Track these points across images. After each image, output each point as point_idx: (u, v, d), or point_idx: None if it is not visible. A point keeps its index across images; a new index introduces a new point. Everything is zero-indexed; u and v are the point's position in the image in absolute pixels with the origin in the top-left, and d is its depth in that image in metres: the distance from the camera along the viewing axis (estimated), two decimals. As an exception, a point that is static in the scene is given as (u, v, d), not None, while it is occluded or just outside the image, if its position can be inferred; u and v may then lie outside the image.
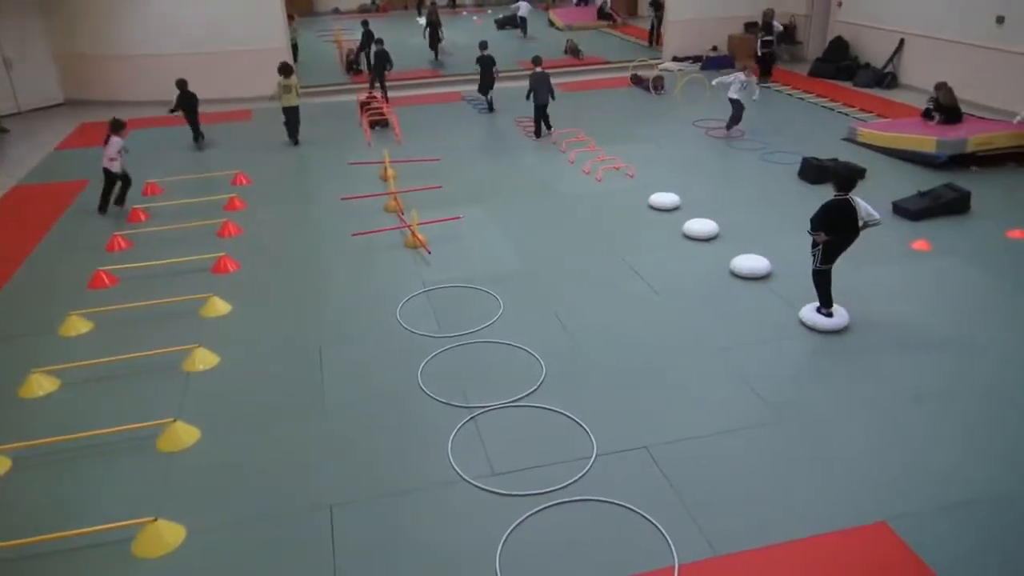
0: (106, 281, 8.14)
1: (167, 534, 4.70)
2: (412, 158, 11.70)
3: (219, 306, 7.53)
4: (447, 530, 4.76)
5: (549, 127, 13.24)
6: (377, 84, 15.35)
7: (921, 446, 5.34)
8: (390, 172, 10.94)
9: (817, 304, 6.90)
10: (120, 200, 10.28)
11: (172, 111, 12.68)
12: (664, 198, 9.80)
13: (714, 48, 18.70)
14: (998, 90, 12.59)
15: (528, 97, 12.94)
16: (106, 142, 9.90)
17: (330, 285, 8.07)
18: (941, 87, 11.58)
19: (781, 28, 17.03)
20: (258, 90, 15.46)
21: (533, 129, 13.26)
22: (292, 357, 6.72)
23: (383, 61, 15.03)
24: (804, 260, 6.92)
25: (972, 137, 10.70)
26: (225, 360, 6.67)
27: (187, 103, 12.65)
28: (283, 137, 13.11)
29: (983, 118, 12.00)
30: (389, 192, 10.21)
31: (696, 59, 18.51)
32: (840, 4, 17.60)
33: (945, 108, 11.53)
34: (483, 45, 15.09)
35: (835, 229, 6.54)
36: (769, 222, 9.22)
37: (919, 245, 8.43)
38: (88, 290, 8.01)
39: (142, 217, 9.97)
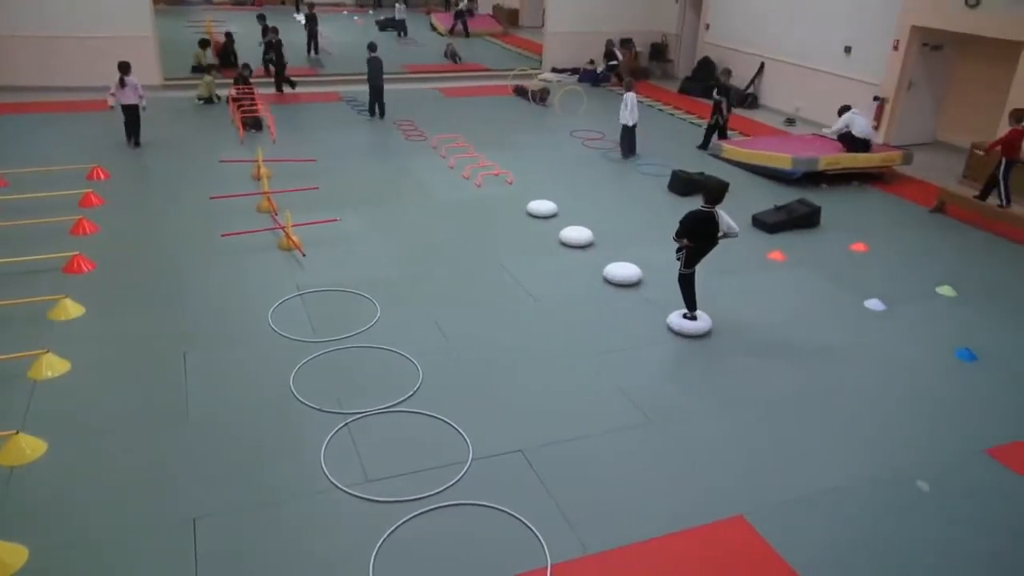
0: (-62, 281, 7.41)
1: (7, 556, 4.33)
2: (287, 158, 11.35)
3: (71, 308, 7.02)
4: (319, 539, 4.64)
5: (383, 113, 14.49)
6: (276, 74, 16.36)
7: (775, 443, 5.71)
8: (263, 171, 10.58)
9: (683, 311, 7.25)
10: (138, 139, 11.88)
11: None
12: (542, 205, 10.00)
13: (591, 62, 19.28)
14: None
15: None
16: (123, 84, 11.22)
17: (197, 287, 7.69)
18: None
19: (620, 58, 18.68)
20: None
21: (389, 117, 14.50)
22: (153, 363, 6.35)
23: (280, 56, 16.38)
24: (672, 268, 7.26)
25: (823, 157, 11.63)
26: (77, 366, 6.23)
27: None
28: (149, 130, 12.36)
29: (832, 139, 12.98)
30: (262, 192, 9.85)
31: (574, 71, 19.08)
32: (707, 27, 18.60)
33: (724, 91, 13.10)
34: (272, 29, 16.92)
35: (696, 237, 6.93)
36: (640, 231, 9.59)
37: (774, 256, 9.03)
38: (-84, 290, 7.27)
39: (-17, 212, 9.14)
